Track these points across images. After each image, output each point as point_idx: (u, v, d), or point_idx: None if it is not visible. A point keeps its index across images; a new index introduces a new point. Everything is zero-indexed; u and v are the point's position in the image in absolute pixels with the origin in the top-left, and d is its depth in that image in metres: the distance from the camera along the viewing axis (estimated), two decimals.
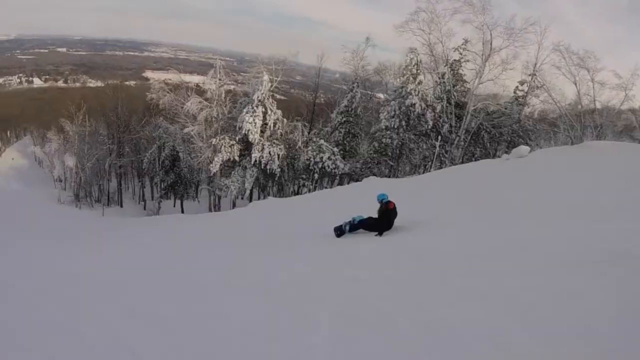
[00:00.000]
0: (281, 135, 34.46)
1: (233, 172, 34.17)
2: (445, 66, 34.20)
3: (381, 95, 44.08)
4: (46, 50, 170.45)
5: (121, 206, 50.73)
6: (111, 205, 49.91)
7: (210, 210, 37.45)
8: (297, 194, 36.13)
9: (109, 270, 10.98)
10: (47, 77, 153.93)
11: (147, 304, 6.90)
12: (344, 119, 38.46)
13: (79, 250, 16.81)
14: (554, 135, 33.98)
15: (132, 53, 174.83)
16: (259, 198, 36.21)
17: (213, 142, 33.20)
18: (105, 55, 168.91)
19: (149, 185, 53.94)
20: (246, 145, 33.94)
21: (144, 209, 47.47)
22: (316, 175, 34.65)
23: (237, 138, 33.48)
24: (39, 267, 12.23)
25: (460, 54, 34.36)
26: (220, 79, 35.22)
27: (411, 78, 33.40)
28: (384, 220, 10.17)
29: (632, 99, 27.11)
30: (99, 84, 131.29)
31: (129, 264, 12.31)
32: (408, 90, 33.27)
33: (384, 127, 34.45)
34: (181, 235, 18.68)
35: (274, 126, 33.85)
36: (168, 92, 36.90)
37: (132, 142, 50.91)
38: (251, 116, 32.58)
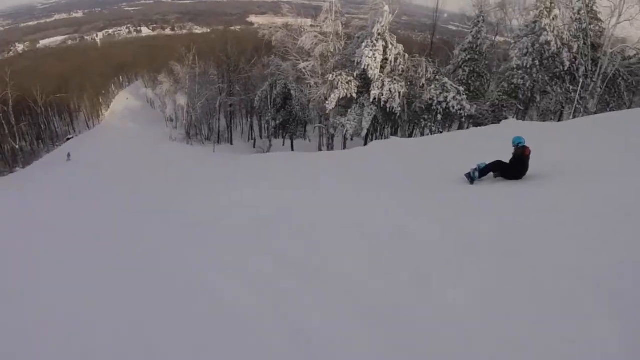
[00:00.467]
0: (402, 71, 32.15)
1: (350, 110, 32.61)
2: (578, 1, 29.49)
3: (499, 39, 40.06)
4: (151, 2, 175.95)
5: (231, 144, 51.69)
6: (221, 143, 50.89)
7: (320, 149, 36.51)
8: (411, 136, 34.03)
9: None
10: (155, 25, 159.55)
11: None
12: (468, 56, 35.21)
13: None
14: None
15: None
16: (372, 139, 34.49)
17: (329, 78, 31.65)
18: (209, 3, 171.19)
19: (257, 124, 54.35)
20: (364, 82, 32.09)
21: (254, 147, 47.93)
22: (439, 117, 32.05)
23: (355, 74, 31.64)
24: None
25: None
26: (336, 12, 33.31)
27: (545, 12, 29.38)
28: (517, 166, 8.88)
29: None
30: (205, 29, 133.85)
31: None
32: (542, 25, 29.25)
33: (514, 65, 30.79)
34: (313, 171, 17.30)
35: (395, 61, 31.61)
36: (280, 29, 35.68)
37: (241, 82, 51.08)
38: (371, 50, 30.44)
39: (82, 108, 79.20)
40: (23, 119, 59.99)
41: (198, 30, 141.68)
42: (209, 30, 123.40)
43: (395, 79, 31.30)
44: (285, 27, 36.07)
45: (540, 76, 30.31)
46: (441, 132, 31.16)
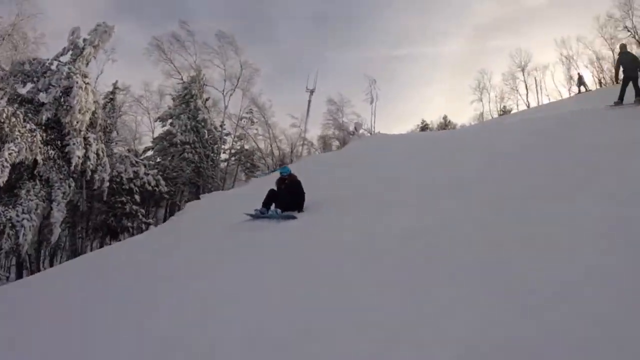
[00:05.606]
0: (101, 128, 18.76)
1: (24, 193, 15.21)
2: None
3: None
4: None
5: None
6: None
7: None
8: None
9: None
10: None
11: None
12: None
13: None
14: None
15: None
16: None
17: None
18: None
19: None
20: (52, 139, 16.39)
21: None
22: (137, 197, 20.93)
23: (42, 119, 15.71)
24: None
25: None
26: None
27: (198, 94, 28.27)
28: (300, 192, 7.58)
29: None
30: None
31: None
32: (197, 105, 27.75)
33: (178, 141, 26.40)
34: None
35: (94, 114, 18.15)
36: None
37: None
38: (81, 77, 16.56)
39: None
40: None
41: None
42: None
43: (100, 137, 18.09)
44: None
45: (205, 152, 28.17)
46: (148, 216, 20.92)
